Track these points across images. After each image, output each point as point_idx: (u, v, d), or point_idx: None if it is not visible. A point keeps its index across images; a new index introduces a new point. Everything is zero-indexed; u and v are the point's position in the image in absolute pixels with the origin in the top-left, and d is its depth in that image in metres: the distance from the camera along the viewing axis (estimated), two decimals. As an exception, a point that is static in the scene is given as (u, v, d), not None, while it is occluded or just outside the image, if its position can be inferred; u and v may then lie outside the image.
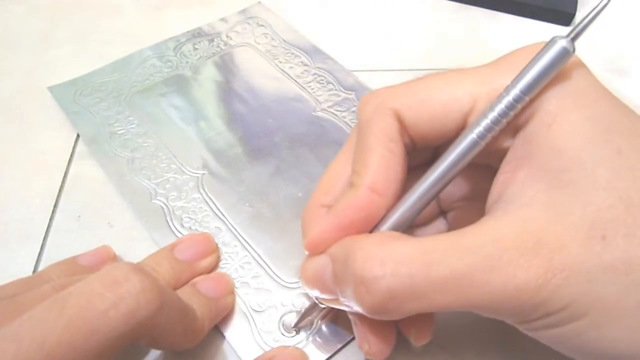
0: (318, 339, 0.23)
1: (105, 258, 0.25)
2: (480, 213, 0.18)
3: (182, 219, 0.27)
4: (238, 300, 0.24)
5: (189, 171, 0.30)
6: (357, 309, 0.18)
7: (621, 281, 0.15)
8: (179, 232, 0.27)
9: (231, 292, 0.24)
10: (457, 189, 0.22)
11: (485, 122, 0.18)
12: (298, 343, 0.23)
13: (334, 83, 0.34)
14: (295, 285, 0.25)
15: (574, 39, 0.17)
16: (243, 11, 0.40)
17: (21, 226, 0.28)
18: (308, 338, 0.23)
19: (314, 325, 0.23)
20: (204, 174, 0.29)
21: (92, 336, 0.16)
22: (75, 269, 0.23)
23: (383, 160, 0.19)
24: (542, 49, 0.17)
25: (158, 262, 0.23)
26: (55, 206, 0.29)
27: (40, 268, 0.26)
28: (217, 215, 0.28)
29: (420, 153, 0.21)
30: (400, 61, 0.37)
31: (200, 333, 0.22)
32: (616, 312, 0.16)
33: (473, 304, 0.17)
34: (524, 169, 0.17)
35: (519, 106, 0.17)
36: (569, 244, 0.16)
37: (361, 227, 0.19)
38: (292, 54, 0.36)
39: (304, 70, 0.35)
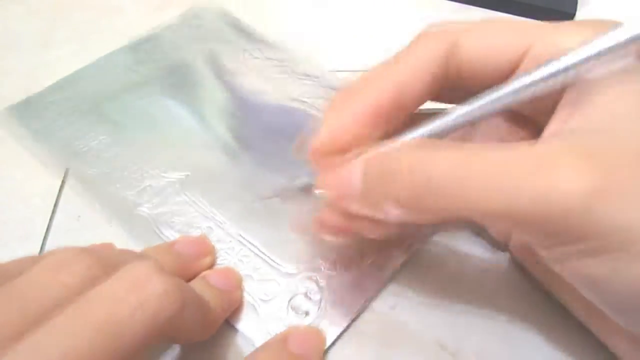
0: (327, 316, 0.24)
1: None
2: None
3: (170, 224, 0.27)
4: (244, 294, 0.25)
5: (168, 175, 0.29)
6: (389, 207, 0.18)
7: None
8: (169, 237, 0.27)
9: (239, 286, 0.24)
10: (496, 135, 0.22)
11: (548, 71, 0.17)
12: (310, 324, 0.23)
13: (294, 72, 0.35)
14: (297, 270, 0.25)
15: None
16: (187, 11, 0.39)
17: (21, 226, 0.28)
18: (318, 317, 0.24)
19: (320, 304, 0.24)
20: (187, 175, 0.29)
21: (120, 340, 0.16)
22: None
23: (425, 63, 0.19)
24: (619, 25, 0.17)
25: (160, 254, 0.23)
26: (55, 206, 0.29)
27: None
28: (205, 215, 0.27)
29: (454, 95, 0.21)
30: (401, 61, 0.37)
31: (214, 324, 0.22)
32: None
33: (512, 209, 0.15)
34: (576, 115, 0.17)
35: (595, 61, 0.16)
36: (627, 165, 0.14)
37: (392, 113, 0.19)
38: (249, 50, 0.36)
39: (263, 63, 0.35)
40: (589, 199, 0.14)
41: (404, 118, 0.20)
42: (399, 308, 0.24)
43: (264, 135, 0.31)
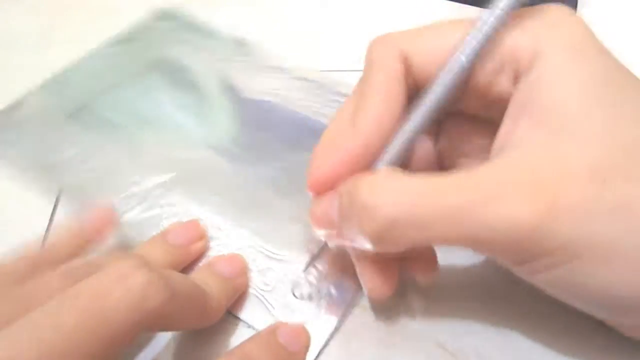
0: (328, 301, 0.24)
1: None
2: None
3: (159, 227, 0.27)
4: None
5: (154, 178, 0.29)
6: (360, 239, 0.19)
7: (620, 223, 0.16)
8: None
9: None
10: (459, 144, 0.23)
11: (472, 43, 0.19)
12: (315, 308, 0.24)
13: (260, 67, 0.35)
14: (294, 257, 0.26)
15: None
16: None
17: (21, 226, 0.28)
18: (320, 302, 0.24)
19: (321, 290, 0.24)
20: (173, 175, 0.29)
21: (106, 324, 0.16)
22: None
23: (385, 100, 0.20)
24: None
25: (152, 248, 0.24)
26: (55, 206, 0.29)
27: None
28: (194, 213, 0.27)
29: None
30: (400, 61, 0.37)
31: (217, 311, 0.22)
32: (613, 254, 0.16)
33: (471, 237, 0.17)
34: (525, 118, 0.18)
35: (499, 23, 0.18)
36: (570, 185, 0.16)
37: (361, 163, 0.20)
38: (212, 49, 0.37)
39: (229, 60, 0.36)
40: (537, 223, 0.16)
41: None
42: (399, 308, 0.24)
43: (243, 130, 0.31)
